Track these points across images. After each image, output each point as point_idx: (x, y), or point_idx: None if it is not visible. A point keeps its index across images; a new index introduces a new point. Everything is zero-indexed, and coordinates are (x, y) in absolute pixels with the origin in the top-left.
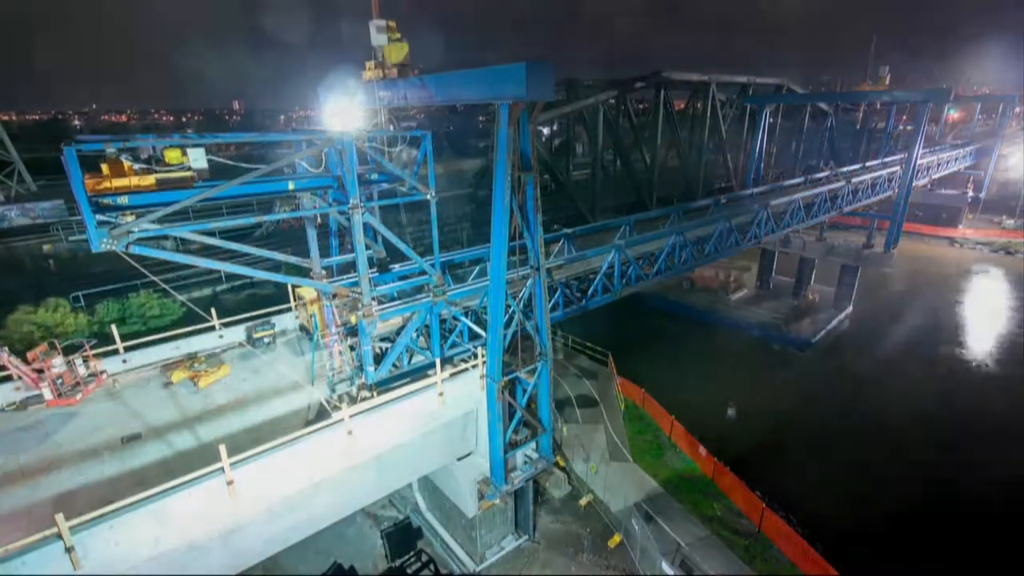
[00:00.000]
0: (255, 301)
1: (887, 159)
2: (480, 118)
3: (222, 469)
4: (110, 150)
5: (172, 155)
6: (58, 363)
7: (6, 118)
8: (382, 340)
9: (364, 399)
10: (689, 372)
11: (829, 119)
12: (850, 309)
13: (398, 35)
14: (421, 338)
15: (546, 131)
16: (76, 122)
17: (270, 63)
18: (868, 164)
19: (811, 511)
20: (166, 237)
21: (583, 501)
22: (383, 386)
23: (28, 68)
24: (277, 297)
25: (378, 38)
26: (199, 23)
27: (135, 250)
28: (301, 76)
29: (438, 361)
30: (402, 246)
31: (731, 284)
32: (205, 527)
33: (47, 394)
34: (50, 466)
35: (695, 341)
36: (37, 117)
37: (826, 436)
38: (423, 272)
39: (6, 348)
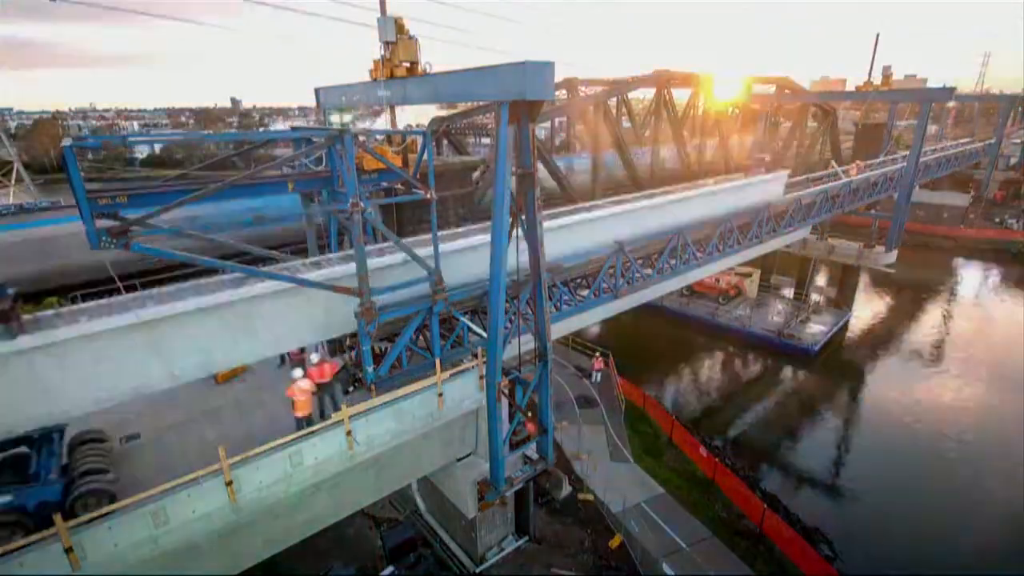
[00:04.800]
0: None
1: (888, 158)
2: (480, 117)
3: (221, 470)
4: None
5: None
6: None
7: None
8: (382, 340)
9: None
10: (686, 379)
11: (831, 118)
12: (852, 314)
13: (407, 31)
14: (421, 338)
15: (546, 130)
16: (74, 121)
17: (269, 60)
18: (869, 163)
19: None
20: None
21: (582, 496)
22: (383, 386)
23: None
24: None
25: (386, 34)
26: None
27: (135, 248)
28: (301, 74)
29: (438, 361)
30: (401, 245)
31: (732, 289)
32: (205, 527)
33: None
34: None
35: (694, 348)
36: (36, 116)
37: (825, 445)
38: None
39: None
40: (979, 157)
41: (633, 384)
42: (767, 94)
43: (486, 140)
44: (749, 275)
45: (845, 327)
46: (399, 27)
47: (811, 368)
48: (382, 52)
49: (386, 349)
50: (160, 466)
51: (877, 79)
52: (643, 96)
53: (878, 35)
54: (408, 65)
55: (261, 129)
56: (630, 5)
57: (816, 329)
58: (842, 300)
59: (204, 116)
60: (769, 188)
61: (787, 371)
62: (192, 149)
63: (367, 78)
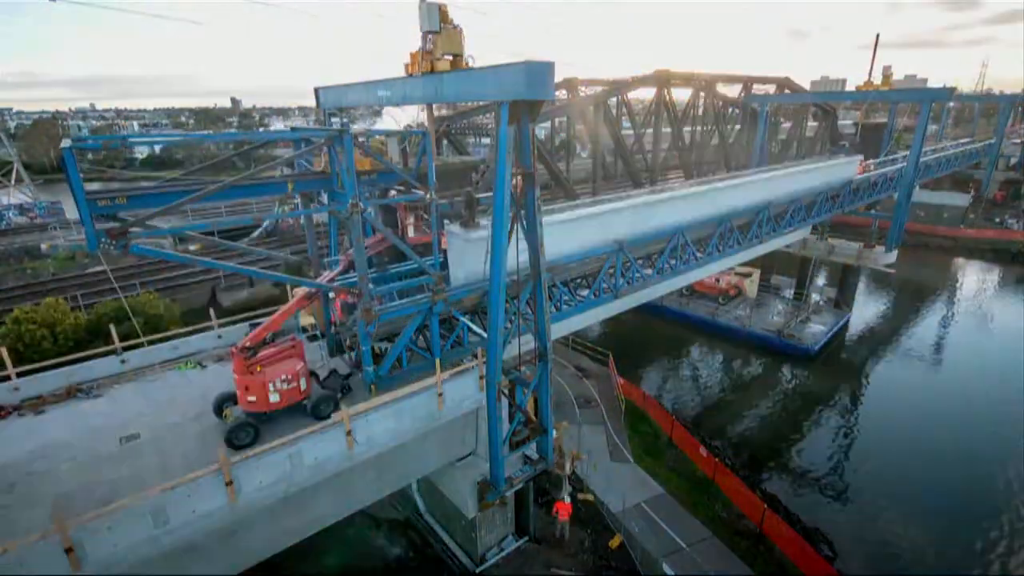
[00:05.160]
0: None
1: (888, 158)
2: (480, 117)
3: (221, 470)
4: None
5: None
6: None
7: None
8: (382, 340)
9: None
10: (686, 380)
11: (831, 118)
12: (852, 314)
13: (451, 20)
14: (421, 338)
15: (546, 130)
16: (73, 121)
17: (270, 59)
18: (870, 162)
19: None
20: (164, 237)
21: (582, 496)
22: (383, 386)
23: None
24: (278, 297)
25: (428, 23)
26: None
27: (134, 250)
28: (301, 73)
29: (438, 361)
30: (402, 246)
31: (732, 289)
32: (205, 527)
33: None
34: (49, 467)
35: (694, 348)
36: (36, 116)
37: (825, 445)
38: (422, 272)
39: None
40: (979, 157)
41: (633, 384)
42: (767, 94)
43: (486, 140)
44: (749, 275)
45: (845, 327)
46: (443, 15)
47: (811, 368)
48: (422, 44)
49: (386, 349)
50: (160, 466)
51: (877, 79)
52: (643, 96)
53: (878, 35)
54: (451, 58)
55: (261, 129)
56: (630, 5)
57: (816, 329)
58: (842, 300)
59: (204, 116)
60: (849, 169)
61: (787, 371)
62: (192, 149)
63: (396, 75)
